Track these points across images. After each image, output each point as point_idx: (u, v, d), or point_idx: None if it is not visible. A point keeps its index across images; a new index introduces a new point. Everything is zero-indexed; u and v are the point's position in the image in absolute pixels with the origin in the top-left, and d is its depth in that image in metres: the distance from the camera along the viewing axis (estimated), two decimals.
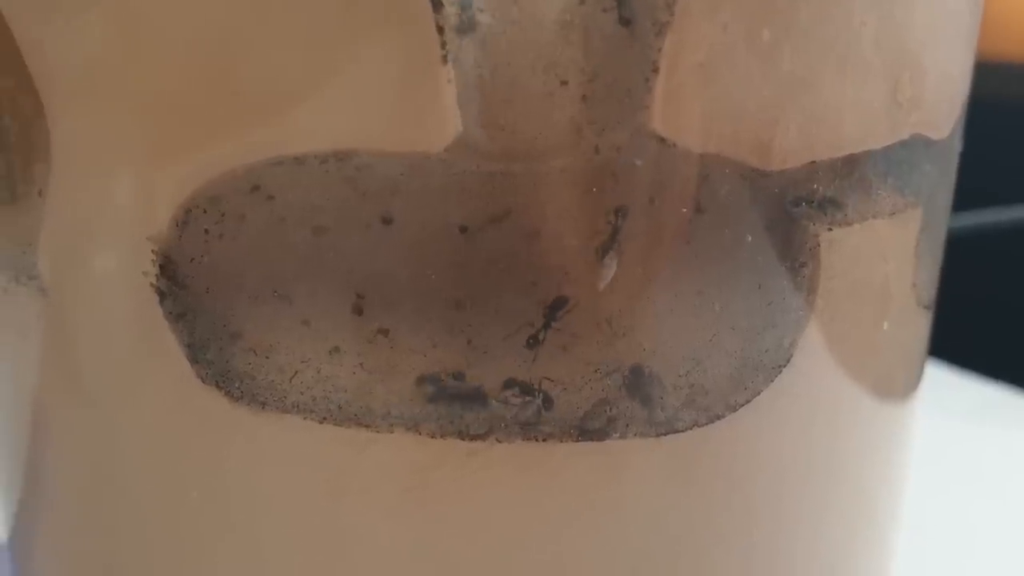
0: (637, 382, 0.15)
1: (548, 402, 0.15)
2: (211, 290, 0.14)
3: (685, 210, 0.15)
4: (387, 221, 0.14)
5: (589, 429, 0.15)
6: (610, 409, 0.15)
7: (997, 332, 0.55)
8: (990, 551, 0.31)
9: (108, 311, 0.15)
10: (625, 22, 0.14)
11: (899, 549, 0.21)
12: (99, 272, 0.15)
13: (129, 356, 0.15)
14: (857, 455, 0.18)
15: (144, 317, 0.15)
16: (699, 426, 0.15)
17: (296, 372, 0.14)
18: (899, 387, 0.19)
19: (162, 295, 0.15)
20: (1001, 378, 0.42)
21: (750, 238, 0.15)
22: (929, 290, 0.19)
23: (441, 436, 0.15)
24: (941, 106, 0.17)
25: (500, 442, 0.15)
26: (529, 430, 0.15)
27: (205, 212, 0.14)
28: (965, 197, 0.24)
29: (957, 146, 0.19)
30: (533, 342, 0.15)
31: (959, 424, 0.38)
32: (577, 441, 0.15)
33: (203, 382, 0.15)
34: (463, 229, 0.14)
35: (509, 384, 0.15)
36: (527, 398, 0.15)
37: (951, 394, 0.41)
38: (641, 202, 0.14)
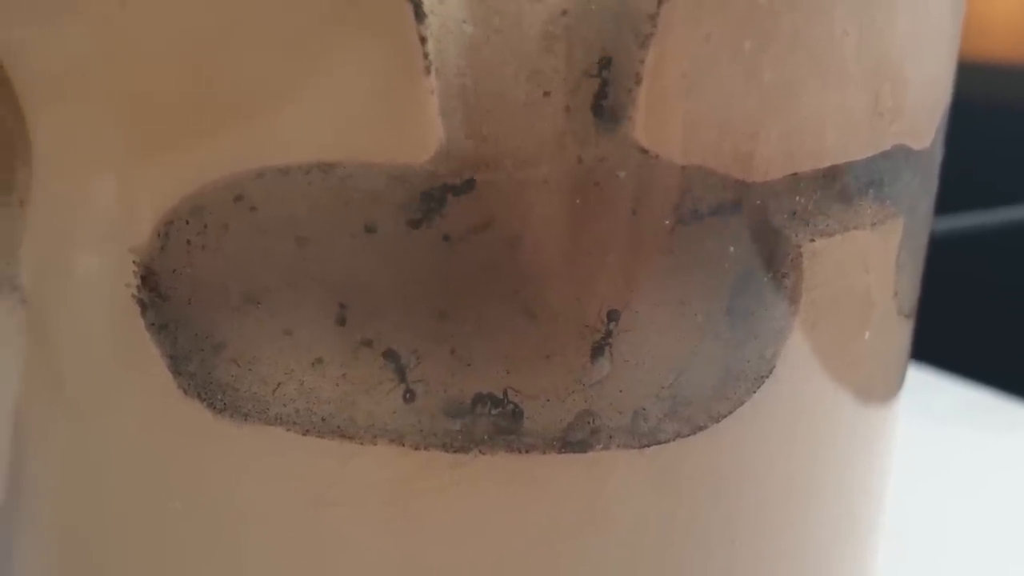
0: (620, 393, 0.15)
1: (530, 413, 0.15)
2: (193, 301, 0.14)
3: (667, 221, 0.15)
4: (371, 230, 0.14)
5: (571, 441, 0.15)
6: (592, 421, 0.15)
7: (978, 335, 0.55)
8: (970, 553, 0.31)
9: (90, 322, 0.15)
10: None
11: (881, 552, 0.21)
12: (81, 283, 0.15)
13: (111, 367, 0.15)
14: (839, 462, 0.18)
15: (126, 328, 0.15)
16: (682, 437, 0.15)
17: (279, 384, 0.14)
18: (881, 394, 0.19)
19: (144, 306, 0.15)
20: (983, 381, 0.42)
21: (732, 249, 0.15)
22: (910, 299, 0.19)
23: (424, 448, 0.15)
24: (923, 115, 0.17)
25: (483, 454, 0.15)
26: (512, 441, 0.15)
27: (187, 223, 0.14)
28: (946, 199, 0.24)
29: (939, 154, 0.19)
30: (517, 352, 0.15)
31: (940, 427, 0.38)
32: (560, 453, 0.15)
33: (185, 393, 0.15)
34: (446, 238, 0.14)
35: (492, 395, 0.15)
36: (509, 409, 0.15)
37: (933, 397, 0.41)
38: (623, 212, 0.14)
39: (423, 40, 0.13)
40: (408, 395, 0.14)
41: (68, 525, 0.17)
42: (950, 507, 0.33)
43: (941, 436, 0.38)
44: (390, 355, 0.14)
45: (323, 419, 0.14)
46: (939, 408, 0.40)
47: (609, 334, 0.15)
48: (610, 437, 0.15)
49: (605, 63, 0.14)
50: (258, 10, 0.14)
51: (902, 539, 0.29)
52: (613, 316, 0.15)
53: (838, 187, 0.16)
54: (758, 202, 0.15)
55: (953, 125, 0.20)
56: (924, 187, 0.18)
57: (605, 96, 0.14)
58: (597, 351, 0.15)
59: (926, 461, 0.35)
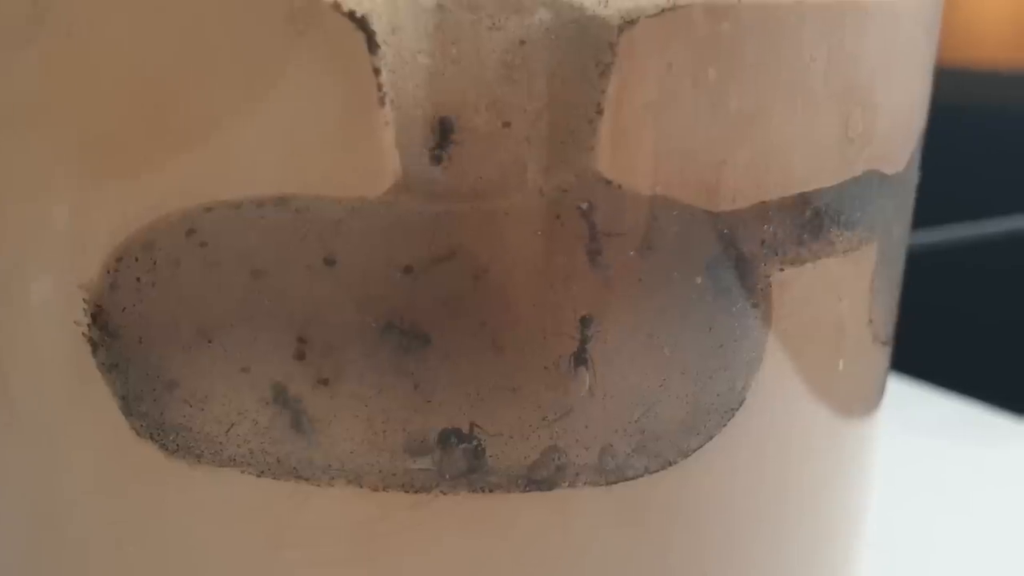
0: (586, 429, 0.15)
1: (494, 451, 0.14)
2: (144, 340, 0.14)
3: (633, 252, 0.14)
4: (330, 263, 0.14)
5: (537, 479, 0.14)
6: (558, 457, 0.14)
7: (963, 347, 0.55)
8: (956, 566, 0.31)
9: (41, 361, 0.15)
10: None
11: (864, 566, 0.21)
12: (31, 321, 0.15)
13: (64, 407, 0.15)
14: (813, 488, 0.18)
15: (77, 368, 0.14)
16: (650, 473, 0.15)
17: (233, 424, 0.14)
18: (856, 419, 0.19)
19: (95, 345, 0.14)
20: (968, 393, 0.42)
21: (700, 280, 0.15)
22: (886, 326, 0.19)
23: (384, 489, 0.14)
24: (895, 140, 0.17)
25: (445, 494, 0.14)
26: (475, 481, 0.14)
27: (137, 260, 0.14)
28: (932, 210, 0.24)
29: (914, 178, 0.18)
30: (481, 386, 0.14)
31: (925, 440, 0.38)
32: (524, 491, 0.14)
33: (138, 434, 0.14)
34: (407, 270, 0.14)
35: (454, 432, 0.14)
36: (473, 446, 0.14)
37: (917, 410, 0.41)
38: (588, 244, 0.14)
39: (376, 71, 0.13)
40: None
41: (26, 556, 0.17)
42: (936, 520, 0.33)
43: (926, 449, 0.37)
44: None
45: (278, 460, 0.14)
46: (924, 421, 0.40)
47: (586, 340, 0.14)
48: (576, 474, 0.15)
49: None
50: (209, 42, 0.13)
51: (887, 552, 0.29)
52: (587, 322, 0.14)
53: (808, 214, 0.15)
54: (725, 231, 0.15)
55: (940, 131, 0.19)
56: (898, 212, 0.18)
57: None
58: (578, 359, 0.14)
59: (911, 474, 0.34)
